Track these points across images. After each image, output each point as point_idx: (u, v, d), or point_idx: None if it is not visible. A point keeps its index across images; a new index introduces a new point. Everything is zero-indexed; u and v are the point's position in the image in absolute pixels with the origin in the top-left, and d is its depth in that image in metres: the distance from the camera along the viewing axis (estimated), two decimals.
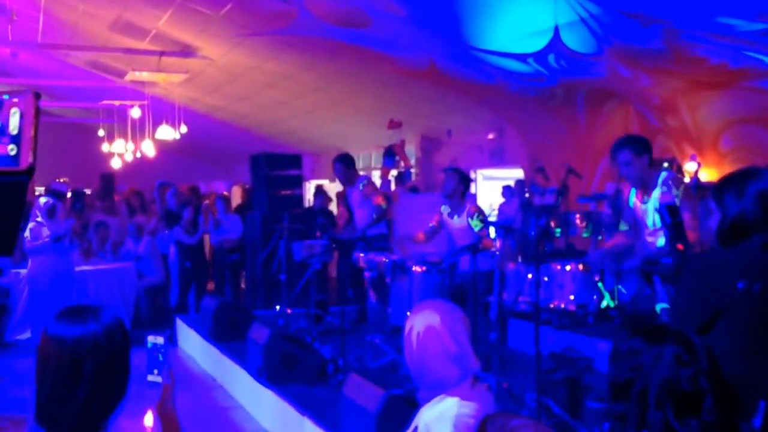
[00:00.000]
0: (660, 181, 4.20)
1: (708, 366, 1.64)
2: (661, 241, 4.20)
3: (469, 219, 5.58)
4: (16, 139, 1.44)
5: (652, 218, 4.27)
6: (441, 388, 2.24)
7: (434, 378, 2.25)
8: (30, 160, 1.44)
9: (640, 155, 4.17)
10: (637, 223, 4.42)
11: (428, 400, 2.27)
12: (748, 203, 2.35)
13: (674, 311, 2.46)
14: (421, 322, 2.27)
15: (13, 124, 1.45)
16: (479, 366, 2.29)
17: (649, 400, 1.62)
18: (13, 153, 1.43)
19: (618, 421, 1.68)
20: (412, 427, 2.31)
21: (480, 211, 5.65)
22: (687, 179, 8.98)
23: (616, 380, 1.69)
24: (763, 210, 2.35)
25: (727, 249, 2.41)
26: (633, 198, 4.40)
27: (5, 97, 1.45)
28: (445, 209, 5.89)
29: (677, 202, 4.08)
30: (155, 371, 2.02)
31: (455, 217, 5.77)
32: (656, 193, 4.21)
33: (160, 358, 2.03)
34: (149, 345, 2.04)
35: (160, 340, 2.04)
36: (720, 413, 1.60)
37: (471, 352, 2.27)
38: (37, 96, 1.48)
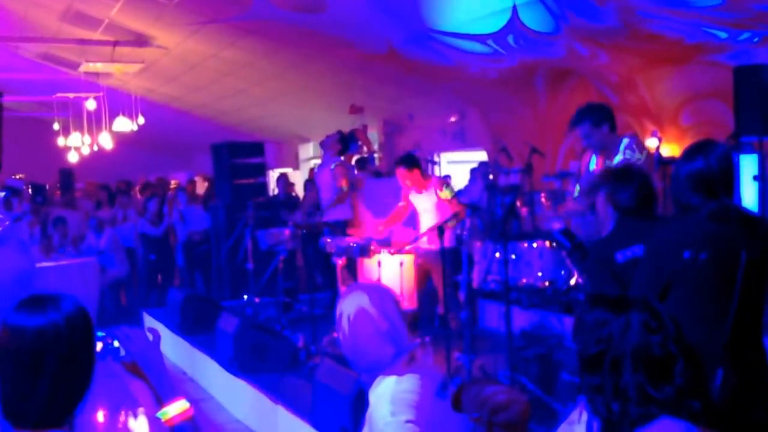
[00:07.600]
0: (622, 147, 4.17)
1: (675, 331, 1.64)
2: None
3: (439, 192, 5.61)
4: None
5: None
6: (378, 369, 2.23)
7: (369, 359, 2.23)
8: None
9: (598, 125, 4.15)
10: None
11: (371, 383, 2.27)
12: (683, 184, 2.46)
13: (634, 285, 2.50)
14: (351, 304, 2.25)
15: None
16: (415, 343, 2.28)
17: (622, 368, 1.61)
18: None
19: (593, 393, 1.66)
20: (368, 412, 2.30)
21: (447, 183, 5.70)
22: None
23: (587, 353, 1.67)
24: (695, 189, 2.43)
25: (677, 220, 2.49)
26: (593, 165, 4.36)
27: None
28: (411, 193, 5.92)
29: (641, 162, 4.06)
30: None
31: (423, 195, 5.81)
32: (618, 159, 4.16)
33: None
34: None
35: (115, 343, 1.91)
36: (691, 376, 1.61)
37: (404, 330, 2.25)
38: None
